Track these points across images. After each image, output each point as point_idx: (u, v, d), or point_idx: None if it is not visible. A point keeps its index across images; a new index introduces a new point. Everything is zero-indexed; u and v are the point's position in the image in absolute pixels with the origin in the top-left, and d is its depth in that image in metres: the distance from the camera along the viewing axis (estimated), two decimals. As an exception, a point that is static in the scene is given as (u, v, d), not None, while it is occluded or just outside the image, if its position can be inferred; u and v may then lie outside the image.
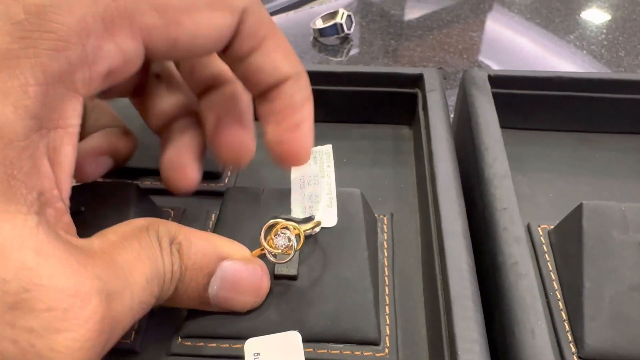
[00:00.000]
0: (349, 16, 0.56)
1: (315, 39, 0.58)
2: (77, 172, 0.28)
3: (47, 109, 0.17)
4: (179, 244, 0.21)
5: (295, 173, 0.27)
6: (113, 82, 0.20)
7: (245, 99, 0.27)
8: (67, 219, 0.18)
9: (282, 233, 0.24)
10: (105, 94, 0.27)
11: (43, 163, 0.17)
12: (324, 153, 0.28)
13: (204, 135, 0.28)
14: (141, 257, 0.19)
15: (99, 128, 0.29)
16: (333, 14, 0.57)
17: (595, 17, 0.61)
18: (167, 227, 0.21)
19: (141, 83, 0.28)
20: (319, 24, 0.57)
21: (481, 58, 0.55)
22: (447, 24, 0.60)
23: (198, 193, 0.33)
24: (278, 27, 0.24)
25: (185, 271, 0.22)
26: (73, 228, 0.19)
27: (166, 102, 0.28)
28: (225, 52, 0.24)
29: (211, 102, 0.27)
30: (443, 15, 0.61)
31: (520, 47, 0.57)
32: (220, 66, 0.26)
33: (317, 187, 0.27)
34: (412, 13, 0.60)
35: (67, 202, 0.19)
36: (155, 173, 0.33)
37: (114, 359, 0.25)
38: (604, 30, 0.59)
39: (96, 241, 0.19)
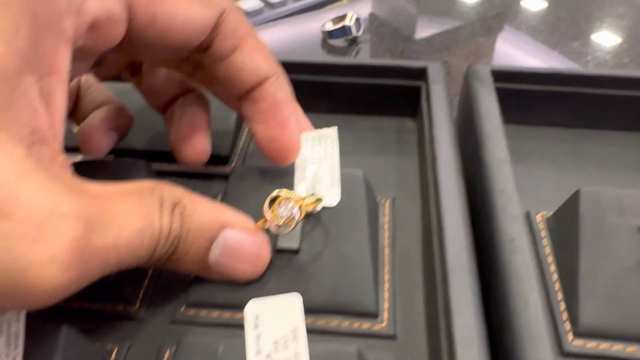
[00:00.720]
0: (357, 19, 0.58)
1: (324, 41, 0.59)
2: (91, 148, 0.29)
3: (38, 53, 0.18)
4: (183, 207, 0.22)
5: (301, 156, 0.28)
6: (99, 42, 0.22)
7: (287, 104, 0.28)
8: (62, 158, 0.19)
9: (285, 204, 0.24)
10: (102, 70, 0.28)
11: (38, 104, 0.18)
12: (328, 136, 0.28)
13: (208, 110, 0.29)
14: (136, 210, 0.20)
15: (96, 106, 0.30)
16: (342, 17, 0.58)
17: (600, 25, 0.62)
18: (173, 191, 0.22)
19: (136, 62, 0.29)
20: (329, 26, 0.59)
21: (487, 62, 0.56)
22: (455, 30, 0.61)
23: (205, 176, 0.34)
24: (253, 29, 0.26)
25: (187, 233, 0.22)
26: (68, 168, 0.20)
27: (165, 80, 0.29)
28: (207, 50, 0.25)
29: (256, 105, 0.27)
30: (451, 21, 0.63)
31: (525, 53, 0.58)
32: (258, 71, 0.27)
33: (320, 169, 0.28)
34: (422, 32, 0.61)
35: (62, 145, 0.20)
36: (163, 156, 0.34)
37: (118, 325, 0.26)
38: (608, 38, 0.60)
39: (93, 185, 0.20)
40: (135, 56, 0.27)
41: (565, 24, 0.63)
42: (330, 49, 0.58)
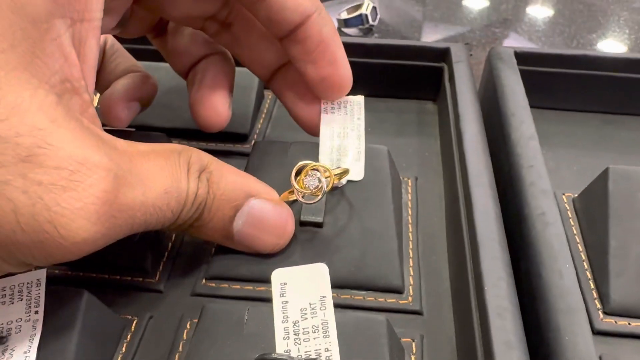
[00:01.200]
0: (374, 8, 0.57)
1: (339, 29, 0.59)
2: (112, 118, 0.28)
3: None
4: (209, 173, 0.22)
5: (325, 124, 0.27)
6: None
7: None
8: (93, 111, 0.19)
9: (312, 174, 0.24)
10: (127, 30, 0.27)
11: (70, 52, 0.18)
12: (355, 103, 0.28)
13: (233, 72, 0.28)
14: (164, 171, 0.20)
15: (120, 74, 0.30)
16: (358, 6, 0.58)
17: (617, 18, 0.61)
18: (200, 156, 0.22)
19: (162, 22, 0.29)
20: (344, 15, 0.58)
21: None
22: (471, 21, 0.61)
23: (225, 153, 0.34)
24: None
25: (213, 200, 0.22)
26: (98, 121, 0.19)
27: (190, 41, 0.28)
28: None
29: (303, 44, 0.26)
30: (467, 12, 0.62)
31: (542, 44, 0.58)
32: (300, 8, 0.25)
33: (346, 140, 0.27)
34: (427, 38, 0.61)
35: (93, 97, 0.19)
36: (182, 133, 0.34)
37: (138, 297, 0.25)
38: (626, 31, 0.59)
39: (122, 142, 0.19)
40: (161, 11, 0.26)
41: (582, 16, 0.62)
42: (346, 38, 0.58)
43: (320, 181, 0.24)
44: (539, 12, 0.64)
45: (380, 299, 0.25)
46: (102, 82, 0.30)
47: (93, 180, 0.17)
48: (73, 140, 0.17)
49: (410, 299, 0.25)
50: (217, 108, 0.27)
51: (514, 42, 0.59)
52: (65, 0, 0.17)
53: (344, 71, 0.26)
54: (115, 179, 0.17)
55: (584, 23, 0.61)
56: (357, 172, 0.27)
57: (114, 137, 0.19)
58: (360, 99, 0.28)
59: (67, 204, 0.16)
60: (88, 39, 0.19)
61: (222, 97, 0.27)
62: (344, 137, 0.27)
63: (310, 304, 0.21)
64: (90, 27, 0.18)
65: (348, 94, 0.28)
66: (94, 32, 0.19)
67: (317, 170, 0.24)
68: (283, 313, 0.20)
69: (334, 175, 0.25)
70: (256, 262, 0.25)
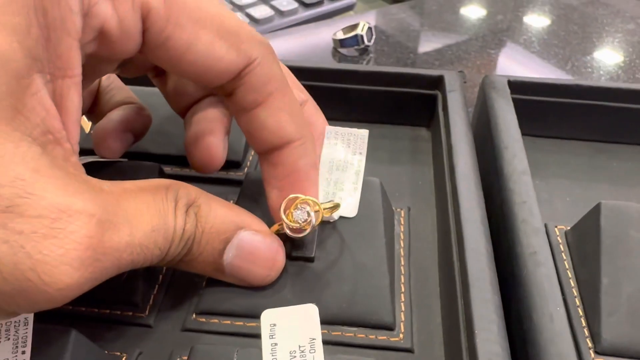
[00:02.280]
0: (370, 28, 0.57)
1: (335, 49, 0.59)
2: (105, 149, 0.28)
3: (50, 53, 0.18)
4: (197, 207, 0.22)
5: (326, 154, 0.27)
6: (115, 52, 0.21)
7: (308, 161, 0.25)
8: (75, 159, 0.19)
9: (301, 207, 0.24)
10: (126, 69, 0.27)
11: (50, 105, 0.18)
12: (359, 137, 0.28)
13: (229, 115, 0.28)
14: (150, 209, 0.20)
15: (114, 105, 0.30)
16: (354, 26, 0.58)
17: (612, 40, 0.62)
18: (188, 190, 0.22)
19: None
20: (340, 35, 0.58)
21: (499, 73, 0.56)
22: (466, 42, 0.61)
23: (218, 181, 0.34)
24: (289, 88, 0.24)
25: (202, 234, 0.22)
26: (81, 167, 0.19)
27: (189, 84, 0.28)
28: (230, 97, 0.24)
29: (275, 168, 0.25)
30: (462, 33, 0.62)
31: (536, 66, 0.58)
32: (281, 132, 0.24)
33: (343, 174, 0.27)
34: (425, 47, 0.61)
35: (77, 147, 0.19)
36: (176, 160, 0.34)
37: (127, 332, 0.25)
38: (621, 54, 0.60)
39: (107, 183, 0.19)
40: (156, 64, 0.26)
41: (576, 38, 0.62)
42: (342, 58, 0.58)
43: (309, 215, 0.24)
44: (534, 33, 0.64)
45: (371, 336, 0.24)
46: (97, 114, 0.30)
47: (75, 227, 0.17)
48: (56, 188, 0.17)
49: (401, 335, 0.25)
50: (211, 150, 0.27)
51: (508, 61, 0.60)
52: (44, 57, 0.18)
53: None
54: (99, 223, 0.17)
55: (579, 45, 0.62)
56: (350, 209, 0.27)
57: (100, 180, 0.19)
58: (365, 133, 0.28)
59: (49, 251, 0.16)
60: (70, 93, 0.19)
61: (217, 139, 0.27)
62: (342, 170, 0.27)
63: (299, 347, 0.20)
64: (72, 83, 0.19)
65: (352, 126, 0.28)
66: (75, 87, 0.19)
67: (307, 204, 0.24)
68: (272, 355, 0.20)
69: (324, 209, 0.24)
70: (246, 296, 0.25)
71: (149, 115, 0.30)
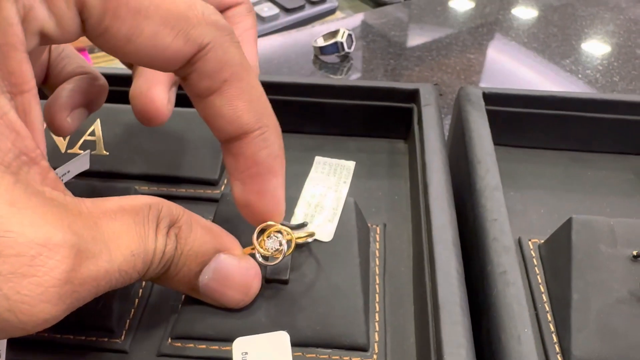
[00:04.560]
0: (349, 35, 0.58)
1: (316, 56, 0.59)
2: (56, 128, 0.27)
3: (2, 72, 0.18)
4: (178, 228, 0.22)
5: (311, 181, 0.28)
6: (51, 42, 0.20)
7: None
8: (53, 175, 0.19)
9: (274, 236, 0.24)
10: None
11: (20, 125, 0.18)
12: (345, 169, 0.29)
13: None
14: (130, 232, 0.20)
15: (67, 76, 0.28)
16: (334, 33, 0.58)
17: (591, 43, 0.62)
18: (171, 210, 0.22)
19: None
20: (320, 42, 0.58)
21: (478, 80, 0.56)
22: (446, 46, 0.61)
23: (194, 199, 0.34)
24: (253, 73, 0.23)
25: (180, 255, 0.22)
26: (60, 183, 0.19)
27: None
28: (185, 82, 0.23)
29: (235, 159, 0.24)
30: (442, 38, 0.63)
31: (516, 70, 0.58)
32: (237, 122, 0.23)
33: (324, 199, 0.28)
34: (414, 40, 0.61)
35: (47, 162, 0.19)
36: (152, 179, 0.34)
37: (103, 358, 0.25)
38: (599, 56, 0.60)
39: (88, 203, 0.19)
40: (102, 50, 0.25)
41: (555, 40, 0.63)
42: (322, 65, 0.58)
43: (281, 244, 0.24)
44: (514, 37, 0.65)
45: (345, 358, 0.25)
46: (50, 86, 0.28)
47: (54, 262, 0.17)
48: (33, 220, 0.17)
49: (375, 357, 0.25)
50: (155, 101, 0.25)
51: (488, 65, 0.60)
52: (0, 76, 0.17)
53: (271, 205, 0.24)
54: (78, 254, 0.17)
55: (558, 47, 0.62)
56: (327, 234, 0.27)
57: (79, 200, 0.19)
58: (351, 164, 0.29)
59: (27, 291, 0.16)
60: (31, 106, 0.19)
61: (160, 90, 0.26)
62: (324, 195, 0.28)
63: (271, 375, 0.21)
64: (30, 96, 0.19)
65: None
66: (34, 98, 0.19)
67: (280, 232, 0.24)
68: (244, 384, 0.20)
69: (297, 238, 0.25)
70: (221, 319, 0.25)
71: (103, 84, 0.29)
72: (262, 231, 0.24)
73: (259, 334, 0.21)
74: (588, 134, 0.37)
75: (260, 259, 0.24)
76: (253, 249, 0.25)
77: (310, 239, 0.26)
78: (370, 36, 0.63)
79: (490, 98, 0.36)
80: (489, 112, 0.35)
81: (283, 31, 0.67)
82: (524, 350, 0.21)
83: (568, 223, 0.28)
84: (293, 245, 0.24)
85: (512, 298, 0.23)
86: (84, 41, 0.53)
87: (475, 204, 0.28)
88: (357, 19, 0.68)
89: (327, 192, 0.28)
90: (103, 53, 0.59)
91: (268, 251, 0.24)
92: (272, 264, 0.24)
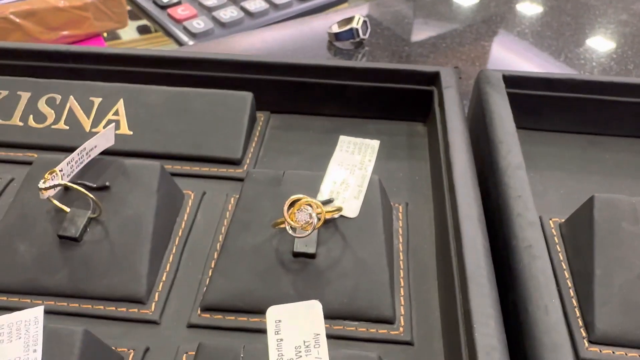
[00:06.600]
0: (365, 22, 0.58)
1: (330, 43, 0.59)
2: None
3: None
4: None
5: (337, 157, 0.28)
6: None
7: None
8: None
9: (304, 209, 0.24)
10: None
11: None
12: (370, 147, 0.29)
13: None
14: None
15: None
16: (349, 19, 0.58)
17: (604, 31, 0.62)
18: None
19: None
20: (335, 28, 0.58)
21: (492, 67, 0.56)
22: (460, 34, 0.61)
23: (218, 178, 0.34)
24: None
25: None
26: None
27: None
28: None
29: None
30: (457, 26, 0.63)
31: (530, 58, 0.58)
32: None
33: (351, 176, 0.28)
34: (418, 35, 0.61)
35: None
36: (176, 157, 0.34)
37: (135, 329, 0.26)
38: (613, 45, 0.60)
39: None
40: None
41: (569, 29, 0.63)
42: (337, 52, 0.58)
43: (311, 217, 0.24)
44: (527, 25, 0.65)
45: (372, 330, 0.25)
46: None
47: None
48: None
49: (401, 329, 0.25)
50: None
51: (502, 53, 0.60)
52: None
53: None
54: None
55: (572, 36, 0.62)
56: (353, 210, 0.28)
57: None
58: (375, 143, 0.30)
59: None
60: None
61: None
62: (351, 172, 0.28)
63: (304, 342, 0.21)
64: None
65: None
66: None
67: (310, 205, 0.24)
68: (278, 351, 0.21)
69: (326, 212, 0.25)
70: (250, 292, 0.26)
71: None
72: (292, 204, 0.25)
73: (292, 303, 0.22)
74: (606, 117, 0.37)
75: (290, 231, 0.25)
76: (283, 221, 0.25)
77: (337, 214, 0.27)
78: (384, 23, 0.63)
79: (510, 80, 0.36)
80: (508, 95, 0.35)
81: (296, 18, 0.67)
82: (551, 320, 0.22)
83: (590, 201, 0.28)
84: (323, 218, 0.25)
85: (538, 270, 0.23)
86: (99, 27, 0.53)
87: (498, 182, 0.29)
88: (370, 6, 0.68)
89: (352, 170, 0.28)
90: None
91: (298, 223, 0.24)
92: (301, 236, 0.25)
